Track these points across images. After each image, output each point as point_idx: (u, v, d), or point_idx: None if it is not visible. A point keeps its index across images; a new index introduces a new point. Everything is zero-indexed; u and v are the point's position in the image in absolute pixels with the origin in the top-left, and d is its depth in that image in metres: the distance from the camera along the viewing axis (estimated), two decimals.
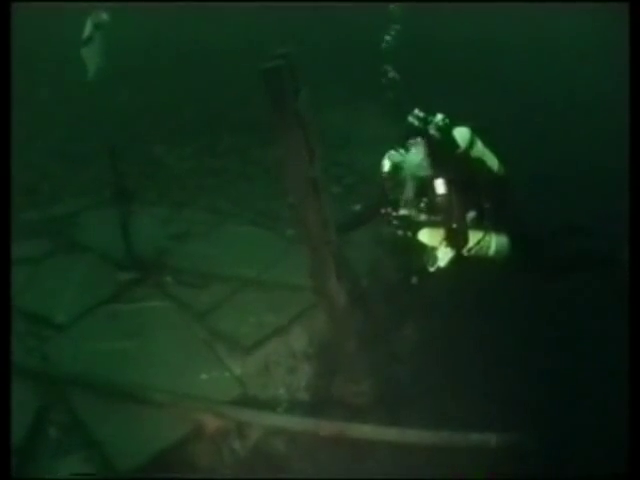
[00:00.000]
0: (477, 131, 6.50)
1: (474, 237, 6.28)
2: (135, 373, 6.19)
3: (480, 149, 6.49)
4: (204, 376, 6.26)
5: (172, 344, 6.58)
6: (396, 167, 6.34)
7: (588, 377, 6.03)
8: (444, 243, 6.14)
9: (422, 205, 6.39)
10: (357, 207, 7.01)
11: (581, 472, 5.19)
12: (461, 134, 6.43)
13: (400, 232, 6.53)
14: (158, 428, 5.72)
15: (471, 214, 6.37)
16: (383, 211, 6.56)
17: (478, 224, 6.37)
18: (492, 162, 6.57)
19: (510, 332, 6.60)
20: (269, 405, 6.18)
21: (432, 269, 6.16)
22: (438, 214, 6.26)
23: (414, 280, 6.42)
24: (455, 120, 6.50)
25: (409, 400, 6.22)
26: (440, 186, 6.14)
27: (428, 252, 6.21)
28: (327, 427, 5.76)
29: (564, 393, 6.07)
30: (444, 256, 6.15)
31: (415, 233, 6.42)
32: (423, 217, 6.44)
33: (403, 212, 6.46)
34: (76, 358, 6.36)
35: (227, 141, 10.75)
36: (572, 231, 6.94)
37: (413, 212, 6.45)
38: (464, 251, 6.25)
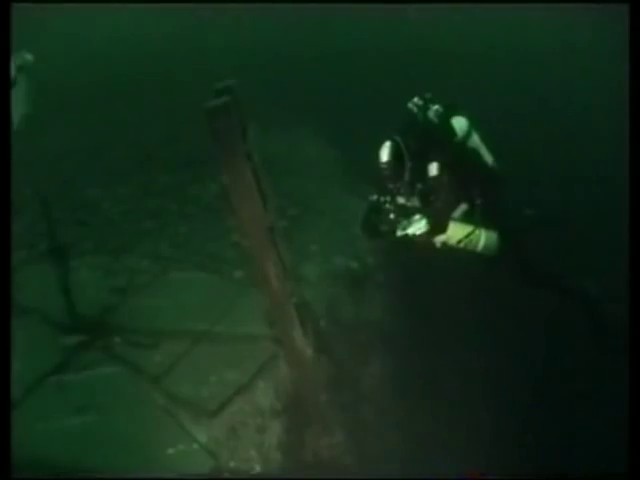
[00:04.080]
0: (475, 123, 6.29)
1: (464, 230, 6.08)
2: (94, 453, 5.50)
3: (476, 141, 6.29)
4: (170, 450, 5.58)
5: (130, 415, 5.85)
6: (394, 156, 6.04)
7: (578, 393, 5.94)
8: (424, 219, 5.86)
9: (416, 191, 6.17)
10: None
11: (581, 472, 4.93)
12: (459, 123, 6.23)
13: (392, 217, 6.09)
14: None
15: (463, 206, 6.19)
16: (382, 199, 6.18)
17: (469, 218, 6.15)
18: (487, 157, 6.34)
19: (481, 358, 6.31)
20: (243, 471, 5.59)
21: (399, 233, 5.91)
22: (429, 198, 6.04)
23: (383, 228, 6.12)
24: (453, 110, 6.29)
25: (386, 445, 5.87)
26: (433, 169, 5.96)
27: (404, 218, 5.93)
28: None
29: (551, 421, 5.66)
30: (416, 226, 5.89)
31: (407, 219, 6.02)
32: (416, 203, 6.21)
33: (400, 200, 6.17)
34: (28, 441, 5.57)
35: (162, 179, 9.96)
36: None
37: (408, 199, 6.21)
38: (453, 242, 6.05)
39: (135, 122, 11.59)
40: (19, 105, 7.58)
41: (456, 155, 6.14)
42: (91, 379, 6.25)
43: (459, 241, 6.08)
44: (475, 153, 6.31)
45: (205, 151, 4.81)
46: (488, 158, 6.37)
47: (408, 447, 5.73)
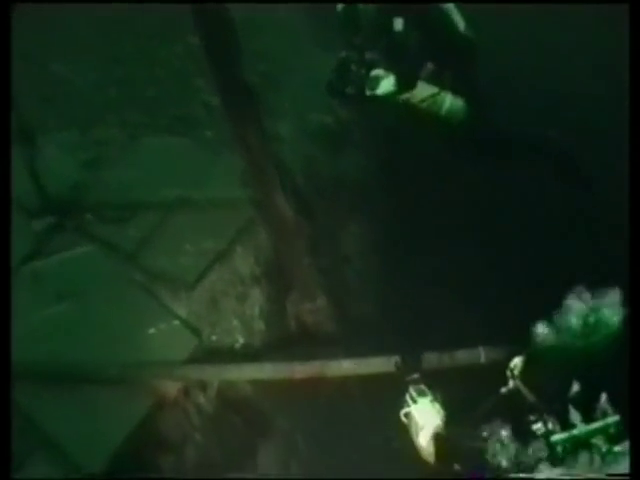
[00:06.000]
0: None
1: (429, 90, 5.64)
2: (75, 344, 5.09)
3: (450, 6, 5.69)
4: (152, 330, 5.18)
5: (108, 298, 5.42)
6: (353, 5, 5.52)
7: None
8: (391, 76, 5.44)
9: (380, 46, 5.61)
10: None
11: None
12: None
13: (355, 71, 5.63)
14: (117, 409, 4.75)
15: (429, 66, 5.67)
16: (349, 56, 5.66)
17: (435, 79, 5.68)
18: (459, 20, 5.74)
19: (464, 216, 5.93)
20: (226, 344, 5.33)
21: (369, 93, 5.49)
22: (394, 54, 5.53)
23: (350, 90, 5.68)
24: None
25: (371, 310, 5.60)
26: (398, 24, 5.42)
27: (372, 76, 5.48)
28: (303, 370, 4.84)
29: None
30: (385, 85, 5.47)
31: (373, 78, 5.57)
32: (381, 59, 5.63)
33: (367, 55, 5.62)
34: None
35: (130, 45, 9.06)
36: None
37: (371, 54, 5.64)
38: (415, 100, 5.61)
39: None
40: None
41: (423, 12, 5.58)
42: (64, 263, 5.75)
43: (422, 100, 5.64)
44: (445, 14, 5.74)
45: (171, 12, 4.17)
46: (460, 22, 5.78)
47: (391, 310, 5.33)
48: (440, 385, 3.94)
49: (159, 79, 8.34)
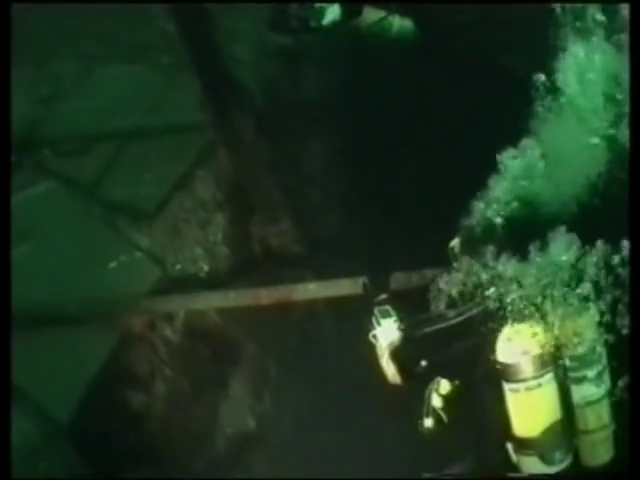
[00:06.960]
0: None
1: (375, 14, 5.53)
2: (38, 285, 4.81)
3: None
4: (113, 264, 4.89)
5: (68, 234, 5.13)
6: None
7: None
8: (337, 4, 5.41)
9: None
10: None
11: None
12: None
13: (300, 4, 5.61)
14: (83, 349, 4.53)
15: None
16: None
17: (383, 3, 5.55)
18: None
19: (423, 137, 5.55)
20: (190, 273, 5.02)
21: (314, 24, 5.50)
22: None
23: (294, 23, 5.68)
24: None
25: (336, 231, 5.31)
26: None
27: (316, 7, 5.45)
28: (270, 295, 4.61)
29: None
30: (332, 14, 5.44)
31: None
32: None
33: None
34: None
35: None
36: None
37: None
38: (364, 25, 5.54)
39: None
40: None
41: None
42: (25, 202, 5.39)
43: (369, 25, 5.53)
44: None
45: None
46: None
47: (357, 231, 5.09)
48: (409, 305, 3.65)
49: (114, 10, 7.86)
